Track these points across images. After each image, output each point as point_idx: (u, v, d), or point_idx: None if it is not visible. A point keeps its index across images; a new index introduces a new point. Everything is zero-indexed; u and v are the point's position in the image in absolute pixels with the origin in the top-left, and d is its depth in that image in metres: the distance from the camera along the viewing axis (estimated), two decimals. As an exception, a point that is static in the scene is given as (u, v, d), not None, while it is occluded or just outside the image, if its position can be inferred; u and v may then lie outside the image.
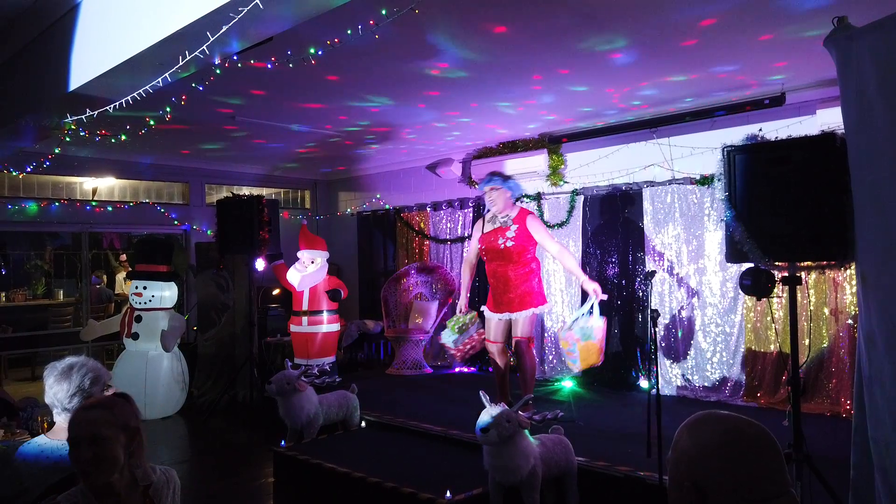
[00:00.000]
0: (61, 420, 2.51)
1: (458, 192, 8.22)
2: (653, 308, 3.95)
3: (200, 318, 7.61)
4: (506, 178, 5.13)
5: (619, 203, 6.66)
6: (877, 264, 2.43)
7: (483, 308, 5.40)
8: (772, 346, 5.69)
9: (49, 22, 4.19)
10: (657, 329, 3.99)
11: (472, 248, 5.47)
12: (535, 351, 5.37)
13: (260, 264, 6.86)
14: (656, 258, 6.35)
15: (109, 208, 8.09)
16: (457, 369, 7.83)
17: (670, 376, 6.22)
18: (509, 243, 5.04)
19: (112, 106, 3.98)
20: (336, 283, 7.41)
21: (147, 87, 3.67)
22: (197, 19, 2.99)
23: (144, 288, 6.81)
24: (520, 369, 5.17)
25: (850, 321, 5.24)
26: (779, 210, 3.11)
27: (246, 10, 2.77)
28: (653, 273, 4.41)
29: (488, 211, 5.28)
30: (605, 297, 4.85)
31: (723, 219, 3.34)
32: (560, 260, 5.17)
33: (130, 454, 1.94)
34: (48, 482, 2.17)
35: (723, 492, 1.26)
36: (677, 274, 6.22)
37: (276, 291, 8.61)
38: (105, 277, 10.95)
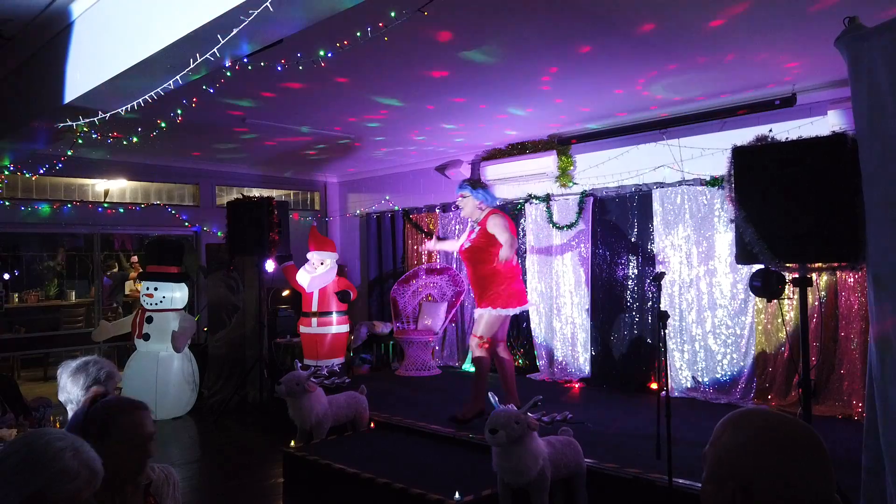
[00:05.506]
0: None
1: (467, 194, 8.21)
2: (662, 310, 3.94)
3: (211, 319, 7.65)
4: (475, 187, 5.32)
5: (628, 204, 6.65)
6: (892, 266, 2.41)
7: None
8: (782, 348, 5.66)
9: (61, 26, 4.24)
10: (666, 331, 3.98)
11: None
12: (502, 352, 5.34)
13: (270, 265, 6.89)
14: (666, 260, 6.33)
15: (121, 210, 8.16)
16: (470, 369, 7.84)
17: (680, 378, 6.20)
18: (466, 244, 5.33)
19: (124, 108, 4.02)
20: (345, 285, 7.43)
21: (158, 89, 3.70)
22: (208, 22, 3.01)
23: (155, 289, 6.86)
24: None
25: (861, 323, 5.20)
26: (789, 211, 3.09)
27: (256, 12, 2.79)
28: (662, 275, 4.39)
29: None
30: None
31: (733, 220, 3.32)
32: (507, 250, 5.09)
33: None
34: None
35: (772, 493, 1.17)
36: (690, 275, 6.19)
37: (285, 293, 8.64)
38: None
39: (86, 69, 3.99)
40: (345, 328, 7.42)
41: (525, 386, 6.79)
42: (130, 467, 1.95)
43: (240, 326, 7.42)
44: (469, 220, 5.52)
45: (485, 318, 5.17)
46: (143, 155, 7.82)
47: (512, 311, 5.20)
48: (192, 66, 3.34)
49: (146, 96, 3.82)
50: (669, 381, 5.99)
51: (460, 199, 5.36)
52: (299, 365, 5.26)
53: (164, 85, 3.66)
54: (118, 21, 3.74)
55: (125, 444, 1.91)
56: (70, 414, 2.56)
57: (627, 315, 6.65)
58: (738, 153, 3.30)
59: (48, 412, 4.48)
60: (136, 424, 1.98)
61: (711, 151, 5.92)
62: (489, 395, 3.70)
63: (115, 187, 8.46)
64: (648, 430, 4.56)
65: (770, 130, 3.37)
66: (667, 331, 4.10)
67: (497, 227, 5.11)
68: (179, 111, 4.60)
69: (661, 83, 5.28)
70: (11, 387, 4.42)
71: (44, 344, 8.44)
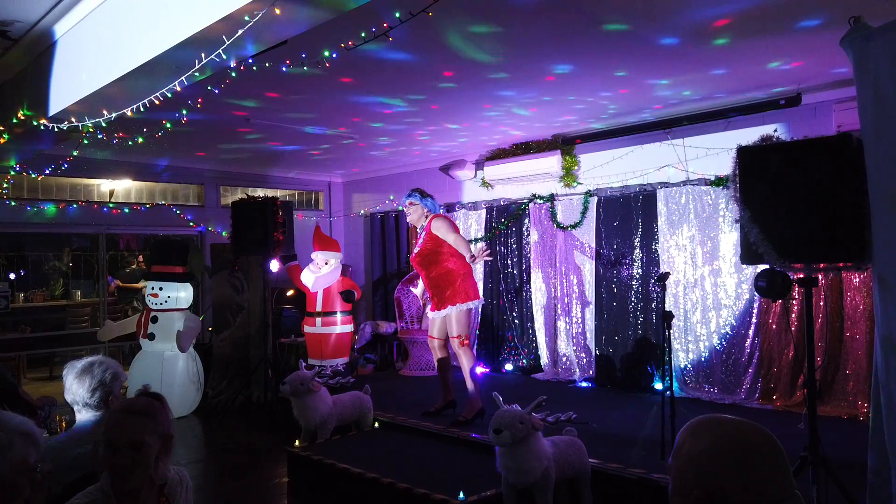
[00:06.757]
0: (82, 416, 2.55)
1: (471, 194, 8.22)
2: (666, 310, 3.93)
3: (215, 318, 7.67)
4: (424, 196, 5.62)
5: (632, 204, 6.64)
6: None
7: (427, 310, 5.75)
8: (787, 349, 5.64)
9: (67, 27, 4.25)
10: (671, 331, 3.97)
11: None
12: (473, 349, 5.63)
13: (274, 265, 6.89)
14: (670, 260, 6.32)
15: (126, 210, 8.18)
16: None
17: (684, 378, 6.19)
18: (416, 249, 5.57)
19: (130, 108, 4.03)
20: (349, 285, 7.44)
21: (164, 90, 3.71)
22: (213, 23, 3.02)
23: (160, 289, 6.87)
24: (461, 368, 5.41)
25: (867, 323, 5.18)
26: (795, 211, 3.08)
27: (261, 13, 2.80)
28: (666, 275, 4.39)
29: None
30: (488, 256, 5.49)
31: (738, 220, 3.32)
32: (456, 248, 5.36)
33: (157, 458, 1.97)
34: (66, 480, 2.20)
35: (735, 497, 1.22)
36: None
37: (290, 292, 8.66)
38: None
39: (92, 70, 4.00)
40: (349, 328, 7.43)
41: (530, 386, 6.80)
42: (109, 470, 1.89)
43: (244, 326, 7.43)
44: (416, 226, 5.73)
45: (454, 317, 5.32)
46: (147, 155, 7.84)
47: (473, 304, 5.42)
48: (197, 66, 3.35)
49: (151, 97, 3.83)
50: (674, 381, 6.01)
51: (409, 205, 5.62)
52: (304, 365, 5.27)
53: (170, 86, 3.67)
54: (124, 22, 3.75)
55: (102, 443, 1.88)
56: (77, 413, 2.57)
57: (632, 315, 6.64)
58: (743, 153, 3.29)
59: (54, 411, 4.48)
60: (110, 426, 1.91)
61: (716, 151, 5.91)
62: (493, 395, 3.70)
63: (120, 187, 8.49)
64: (653, 431, 4.56)
65: (775, 130, 3.38)
66: (671, 331, 4.09)
67: (440, 230, 5.34)
68: (184, 111, 4.61)
69: (666, 81, 5.27)
70: (8, 385, 4.40)
71: (49, 343, 8.46)
